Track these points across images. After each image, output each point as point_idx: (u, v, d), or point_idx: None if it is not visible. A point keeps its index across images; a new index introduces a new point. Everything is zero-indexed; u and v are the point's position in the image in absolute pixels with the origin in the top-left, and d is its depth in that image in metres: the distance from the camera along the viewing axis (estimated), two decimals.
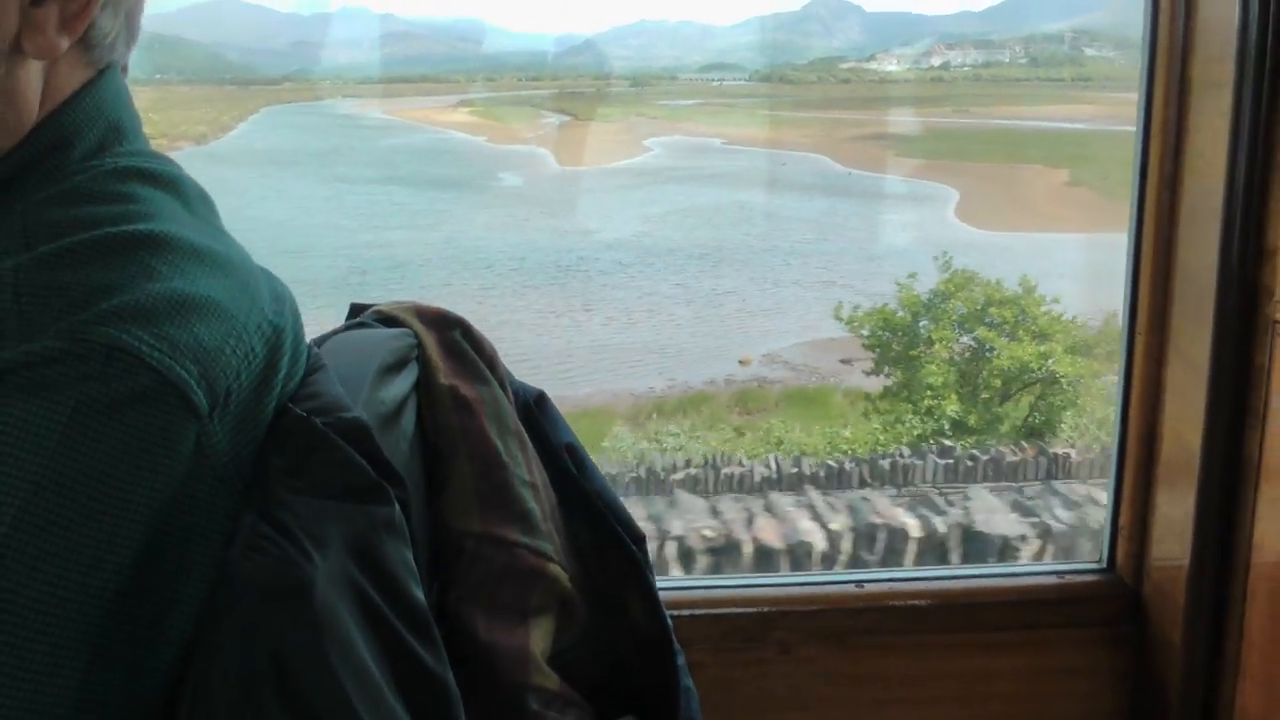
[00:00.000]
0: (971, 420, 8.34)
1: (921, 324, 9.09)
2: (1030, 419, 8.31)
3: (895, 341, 9.15)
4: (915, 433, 8.07)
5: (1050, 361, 8.22)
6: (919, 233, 14.62)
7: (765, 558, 4.16)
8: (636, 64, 24.98)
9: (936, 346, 8.79)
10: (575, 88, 23.92)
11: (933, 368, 8.54)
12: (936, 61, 20.85)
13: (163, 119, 19.28)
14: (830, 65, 22.34)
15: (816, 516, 4.39)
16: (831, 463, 5.96)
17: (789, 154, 19.11)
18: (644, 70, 24.61)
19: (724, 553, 4.19)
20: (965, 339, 9.07)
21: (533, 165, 18.80)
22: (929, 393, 8.44)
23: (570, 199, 17.37)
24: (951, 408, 8.23)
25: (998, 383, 8.61)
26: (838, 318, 9.68)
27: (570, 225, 15.81)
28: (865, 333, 9.36)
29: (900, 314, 9.14)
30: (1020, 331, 8.65)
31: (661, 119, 22.03)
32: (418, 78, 25.51)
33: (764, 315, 12.79)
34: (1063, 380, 8.19)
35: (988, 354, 8.81)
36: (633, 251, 14.68)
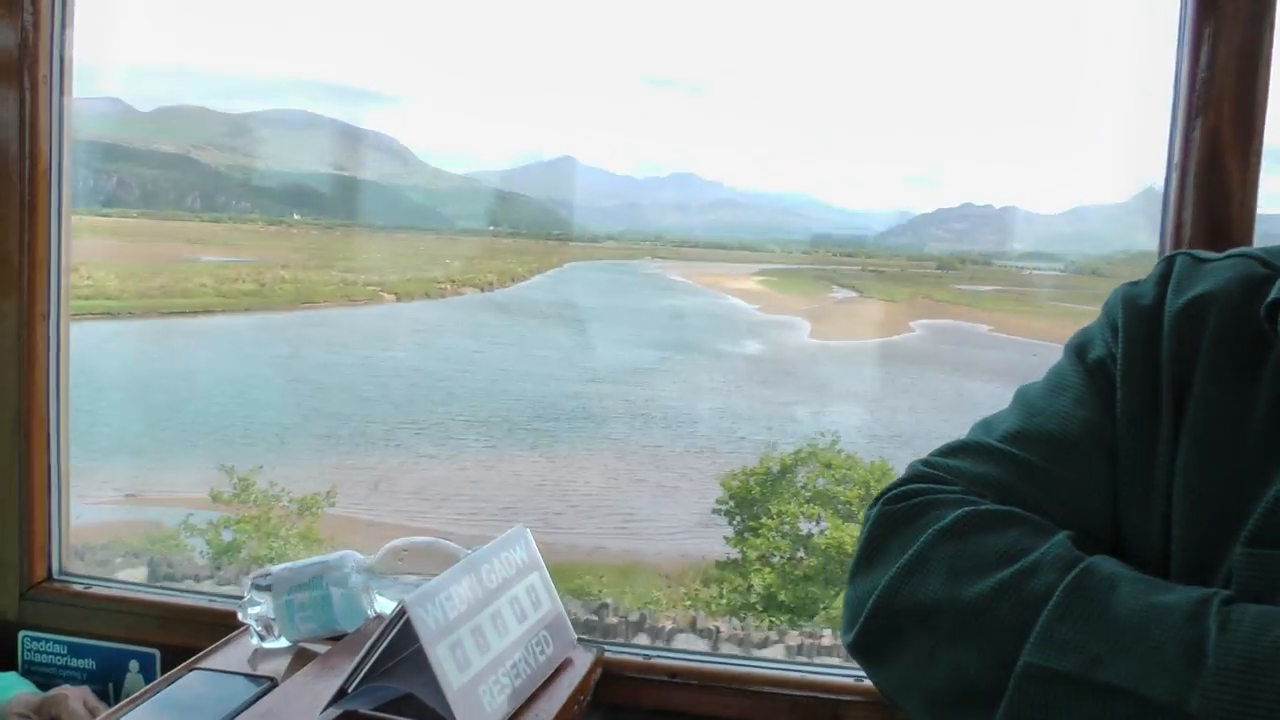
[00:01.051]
0: (782, 596, 7.47)
1: None
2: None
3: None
4: (722, 602, 7.35)
5: None
6: None
7: None
8: (954, 247, 24.39)
9: (767, 520, 8.02)
10: (883, 266, 23.73)
11: (755, 540, 7.77)
12: None
13: (465, 266, 21.17)
14: (1144, 259, 20.72)
15: None
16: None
17: (1046, 345, 17.81)
18: (957, 253, 23.95)
19: None
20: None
21: (783, 335, 18.67)
22: (753, 564, 7.76)
23: (796, 372, 16.96)
24: (760, 580, 7.41)
25: (814, 561, 7.73)
26: None
27: (779, 398, 15.42)
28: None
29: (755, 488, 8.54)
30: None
31: (945, 302, 21.28)
32: (734, 244, 26.28)
33: None
34: None
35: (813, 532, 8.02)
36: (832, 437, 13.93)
